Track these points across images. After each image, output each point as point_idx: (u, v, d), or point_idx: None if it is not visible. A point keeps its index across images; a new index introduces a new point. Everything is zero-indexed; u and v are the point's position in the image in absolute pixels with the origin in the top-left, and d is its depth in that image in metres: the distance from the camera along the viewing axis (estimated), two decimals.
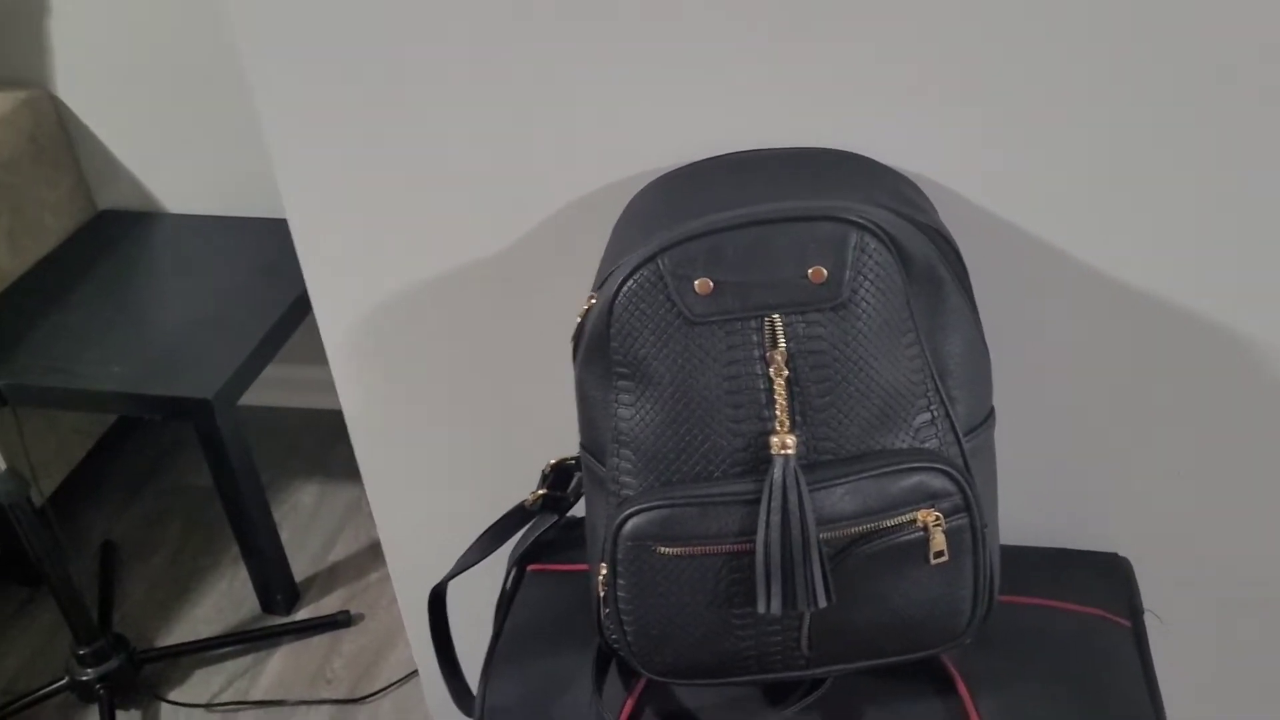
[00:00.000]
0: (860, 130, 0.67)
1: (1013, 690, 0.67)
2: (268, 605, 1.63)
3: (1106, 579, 0.74)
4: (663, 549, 0.60)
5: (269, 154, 0.75)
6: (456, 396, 0.83)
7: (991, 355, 0.70)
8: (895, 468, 0.59)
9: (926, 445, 0.61)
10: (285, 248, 1.71)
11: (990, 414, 0.65)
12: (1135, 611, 0.72)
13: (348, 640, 1.59)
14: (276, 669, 1.56)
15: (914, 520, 0.59)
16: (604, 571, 0.62)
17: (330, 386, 2.00)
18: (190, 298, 1.61)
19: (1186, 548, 0.78)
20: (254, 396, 2.05)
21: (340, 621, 1.60)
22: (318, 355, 1.97)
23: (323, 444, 1.95)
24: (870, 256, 0.58)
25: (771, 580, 0.58)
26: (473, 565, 0.79)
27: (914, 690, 0.67)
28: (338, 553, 1.74)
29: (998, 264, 0.70)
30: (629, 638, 0.63)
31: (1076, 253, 0.69)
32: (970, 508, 0.60)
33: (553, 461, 0.75)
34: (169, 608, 1.67)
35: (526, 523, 0.79)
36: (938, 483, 0.60)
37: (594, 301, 0.62)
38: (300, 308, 1.60)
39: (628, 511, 0.60)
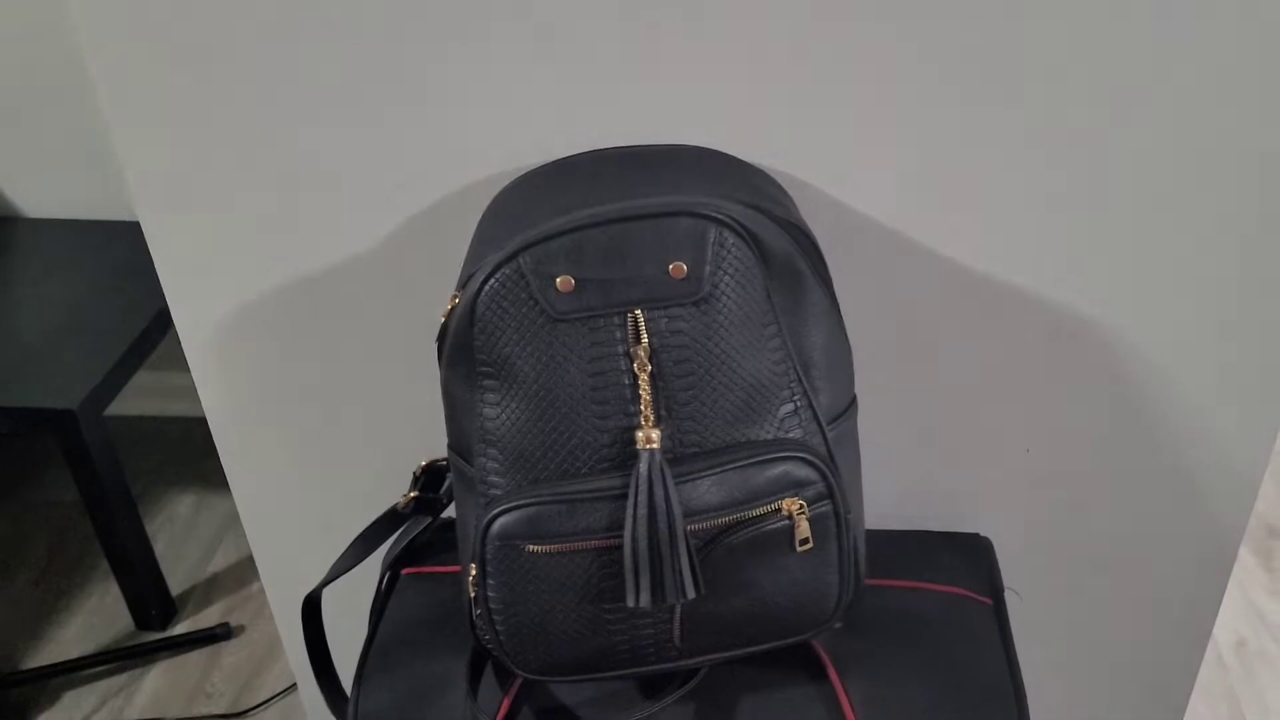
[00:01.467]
0: (720, 127, 0.68)
1: (881, 671, 0.68)
2: (142, 621, 1.58)
3: (969, 559, 0.77)
4: (531, 547, 0.60)
5: (117, 154, 0.72)
6: (324, 400, 0.81)
7: (852, 344, 0.71)
8: (759, 458, 0.60)
9: (791, 435, 0.62)
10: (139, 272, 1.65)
11: (853, 402, 0.67)
12: (996, 590, 0.75)
13: (228, 653, 1.55)
14: (153, 686, 1.51)
15: (779, 509, 0.60)
16: (474, 572, 0.62)
17: None
18: (51, 305, 1.54)
19: (1043, 525, 0.81)
20: (126, 405, 1.97)
21: (219, 635, 1.56)
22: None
23: (199, 453, 1.89)
24: (729, 251, 0.59)
25: (640, 574, 0.58)
26: (347, 571, 0.77)
27: (786, 676, 0.68)
28: (217, 563, 1.69)
29: (856, 256, 0.72)
30: (501, 638, 0.63)
31: (930, 243, 0.71)
32: (834, 495, 0.61)
33: (423, 463, 0.75)
34: (36, 629, 1.60)
35: (399, 526, 0.78)
36: (801, 471, 0.61)
37: (457, 301, 0.62)
38: (170, 312, 1.55)
39: (495, 511, 0.60)
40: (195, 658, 1.55)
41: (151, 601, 1.56)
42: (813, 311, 0.63)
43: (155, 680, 1.52)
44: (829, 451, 0.63)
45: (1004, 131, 0.67)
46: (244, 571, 1.68)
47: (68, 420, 1.37)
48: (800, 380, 0.62)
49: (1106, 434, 0.76)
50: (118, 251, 1.65)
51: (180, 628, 1.59)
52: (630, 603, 0.59)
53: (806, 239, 0.65)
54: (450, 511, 0.80)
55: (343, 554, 0.78)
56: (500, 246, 0.60)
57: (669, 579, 0.59)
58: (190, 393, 1.95)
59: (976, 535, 0.79)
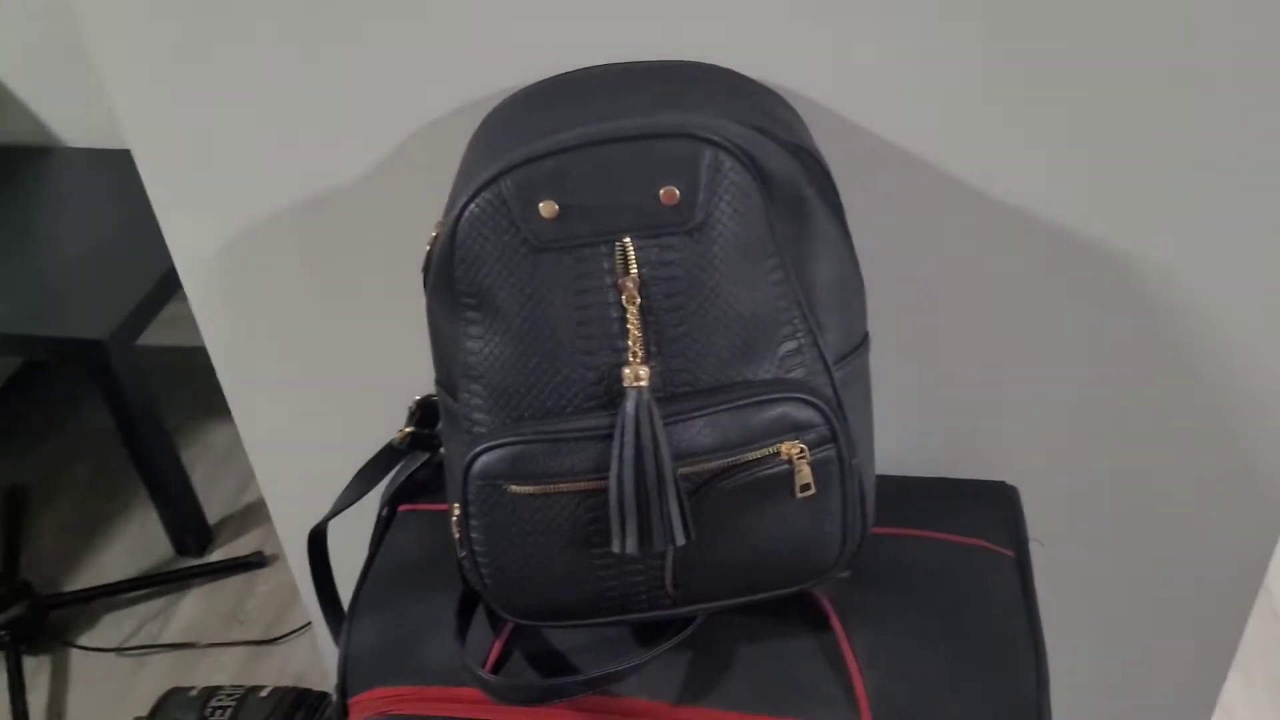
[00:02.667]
0: (727, 42, 0.63)
1: (887, 624, 0.65)
2: (179, 548, 1.60)
3: (991, 508, 0.72)
4: (514, 488, 0.57)
5: (100, 81, 0.70)
6: (320, 333, 0.79)
7: (867, 278, 0.67)
8: (756, 399, 0.56)
9: (792, 375, 0.58)
10: None
11: (864, 340, 0.62)
12: (1019, 541, 0.71)
13: (262, 581, 1.57)
14: (189, 611, 1.53)
15: (777, 453, 0.57)
16: (458, 512, 0.59)
17: None
18: (85, 235, 1.54)
19: (1074, 473, 0.76)
20: (166, 336, 1.98)
21: (254, 563, 1.57)
22: None
23: None
24: (726, 176, 0.55)
25: (626, 518, 0.55)
26: (348, 506, 0.75)
27: (787, 626, 0.65)
28: (252, 493, 1.70)
29: (874, 183, 0.67)
30: (486, 581, 0.60)
31: (956, 171, 0.66)
32: (838, 438, 0.57)
33: (418, 398, 0.72)
34: (77, 553, 1.63)
35: (397, 462, 0.76)
36: (802, 414, 0.57)
37: (440, 229, 0.58)
38: None
39: (477, 449, 0.57)
40: (230, 584, 1.56)
41: (188, 529, 1.58)
42: (820, 242, 0.59)
43: (191, 605, 1.54)
44: (835, 393, 0.59)
45: (1032, 52, 0.61)
46: None
47: (98, 350, 1.37)
48: (804, 316, 0.58)
49: (1144, 377, 0.71)
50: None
51: (216, 555, 1.61)
52: (616, 548, 0.56)
53: (816, 164, 0.60)
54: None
55: (344, 490, 0.76)
56: (483, 171, 0.56)
57: (657, 524, 0.56)
58: None
59: (1002, 484, 0.75)
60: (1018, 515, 0.73)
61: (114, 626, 1.52)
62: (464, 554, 0.61)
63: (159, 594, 1.55)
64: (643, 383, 0.55)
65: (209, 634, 1.50)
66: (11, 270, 1.48)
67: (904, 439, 0.76)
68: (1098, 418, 0.74)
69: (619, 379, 0.56)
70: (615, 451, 0.55)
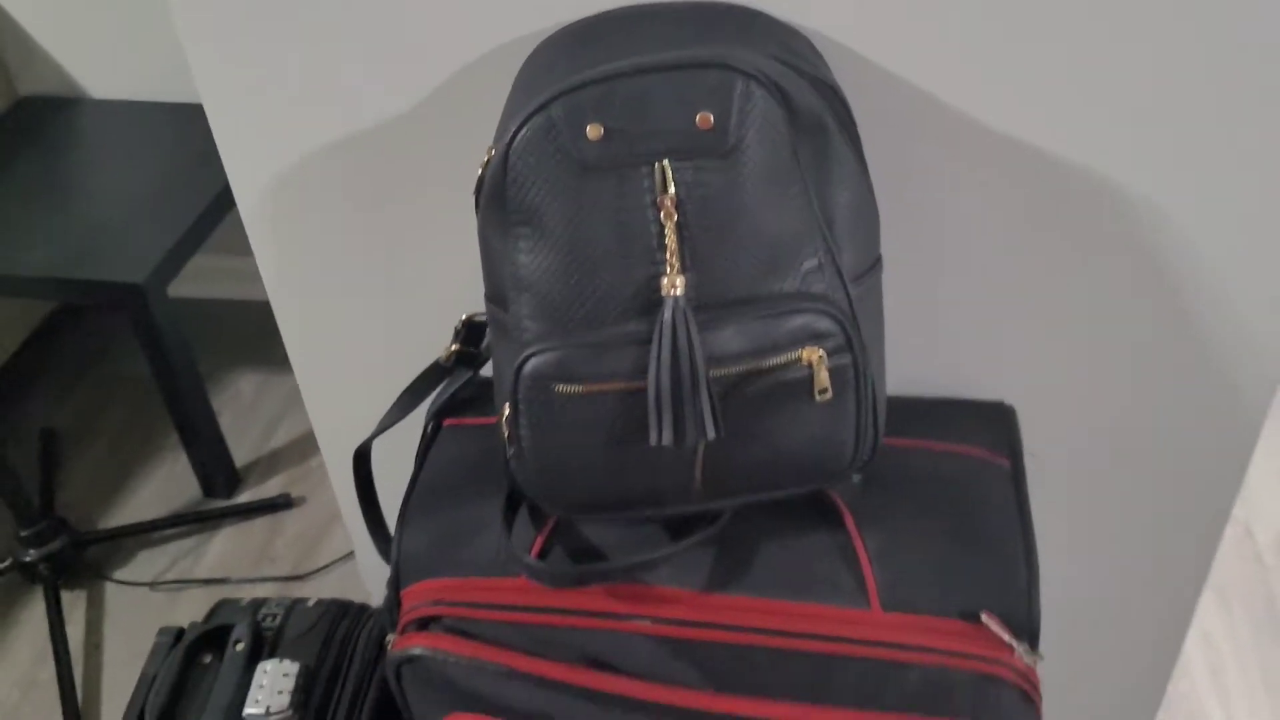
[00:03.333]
0: None
1: (896, 524, 0.71)
2: (209, 490, 1.66)
3: (990, 424, 0.78)
4: (561, 388, 0.63)
5: (175, 29, 0.75)
6: (369, 259, 0.84)
7: (880, 206, 0.72)
8: (782, 309, 0.62)
9: (813, 290, 0.63)
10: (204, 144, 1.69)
11: (877, 261, 0.68)
12: (1015, 453, 0.77)
13: (289, 522, 1.63)
14: (219, 550, 1.60)
15: (799, 359, 0.63)
16: (508, 412, 0.65)
17: None
18: (117, 185, 1.59)
19: (1066, 394, 0.82)
20: (194, 288, 2.04)
21: (281, 504, 1.64)
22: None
23: (264, 334, 1.96)
24: (756, 105, 0.60)
25: (663, 413, 0.61)
26: (394, 424, 0.81)
27: (805, 525, 0.71)
28: (278, 439, 1.76)
29: (888, 117, 0.72)
30: (533, 476, 0.66)
31: (962, 105, 0.71)
32: (853, 347, 0.63)
33: (464, 317, 0.78)
34: (110, 494, 1.69)
35: (442, 379, 0.82)
36: (822, 324, 0.63)
37: (492, 153, 0.64)
38: (227, 199, 1.60)
39: (527, 353, 0.63)
40: (259, 525, 1.63)
41: (217, 471, 1.64)
42: (839, 170, 0.64)
43: (221, 544, 1.61)
44: (851, 307, 0.64)
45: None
46: (305, 447, 1.75)
47: (136, 293, 1.43)
48: (824, 237, 0.64)
49: (1128, 300, 0.77)
50: (179, 133, 1.69)
51: (244, 497, 1.67)
52: (653, 441, 0.62)
53: (837, 98, 0.65)
54: (489, 369, 0.83)
55: (390, 407, 0.82)
56: (533, 98, 0.62)
57: (690, 419, 0.61)
58: (255, 276, 2.01)
59: (1000, 403, 0.81)
60: (1014, 431, 0.79)
61: (147, 564, 1.58)
62: (512, 452, 0.67)
63: (190, 533, 1.62)
64: (679, 291, 0.61)
65: (240, 570, 1.56)
66: (46, 218, 1.53)
67: (911, 361, 0.82)
68: (1089, 342, 0.80)
69: (657, 289, 0.62)
70: (654, 353, 0.61)
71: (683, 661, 0.68)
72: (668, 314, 0.61)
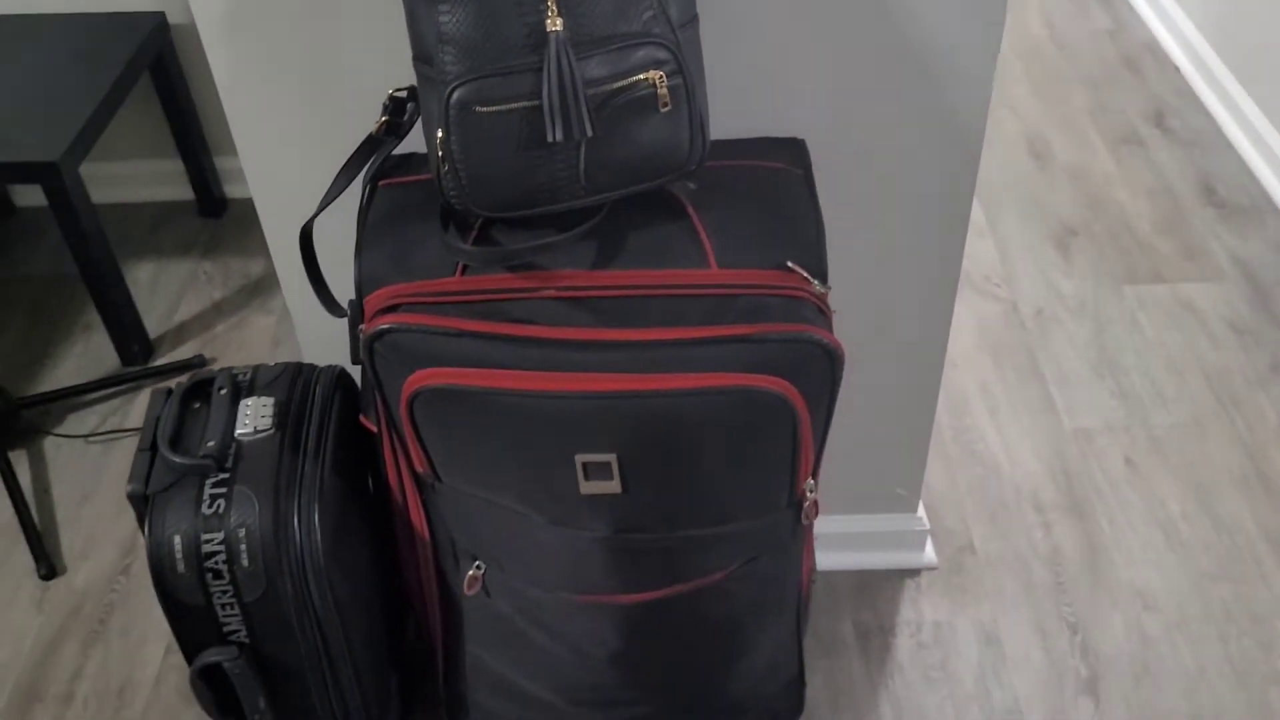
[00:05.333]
0: None
1: (724, 210, 0.99)
2: (127, 358, 1.83)
3: (787, 150, 1.07)
4: (479, 108, 0.88)
5: None
6: (305, 54, 1.06)
7: None
8: (631, 43, 0.88)
9: (653, 31, 0.90)
10: (103, 28, 1.84)
11: (695, 17, 0.95)
12: (806, 168, 1.06)
13: None
14: (144, 406, 1.77)
15: (646, 79, 0.89)
16: (440, 136, 0.90)
17: (148, 179, 2.15)
18: (14, 81, 1.73)
19: (840, 128, 1.11)
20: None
21: (196, 363, 1.82)
22: (138, 150, 2.11)
23: (151, 230, 2.12)
24: None
25: (555, 117, 0.87)
26: (334, 199, 1.04)
27: (659, 217, 0.98)
28: (183, 313, 1.94)
29: None
30: (463, 183, 0.91)
31: None
32: (683, 70, 0.90)
33: (389, 92, 1.01)
34: (31, 373, 1.84)
35: (374, 151, 1.05)
36: (661, 53, 0.89)
37: None
38: (124, 84, 1.76)
39: (453, 84, 0.87)
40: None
41: (133, 338, 1.81)
42: None
43: (146, 402, 1.78)
44: (679, 43, 0.91)
45: None
46: (209, 318, 1.93)
47: (51, 171, 1.59)
48: None
49: (873, 41, 1.06)
50: (69, 40, 1.84)
51: (160, 361, 1.84)
52: (550, 138, 0.87)
53: None
54: (405, 146, 1.06)
55: (332, 183, 1.05)
56: None
57: (574, 120, 0.87)
58: (137, 179, 2.15)
59: (796, 138, 1.09)
60: (805, 154, 1.07)
61: (79, 423, 1.75)
62: (446, 169, 0.91)
63: (115, 395, 1.79)
64: (559, 28, 0.86)
65: None
66: None
67: (723, 105, 1.09)
68: (856, 84, 1.09)
69: (543, 29, 0.87)
70: (546, 74, 0.86)
71: (580, 311, 0.94)
72: (553, 45, 0.86)
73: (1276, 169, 2.12)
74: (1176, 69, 2.47)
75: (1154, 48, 2.55)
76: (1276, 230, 2.04)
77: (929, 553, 1.51)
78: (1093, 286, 1.94)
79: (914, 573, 1.50)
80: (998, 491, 1.61)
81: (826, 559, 1.48)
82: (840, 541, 1.47)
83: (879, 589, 1.48)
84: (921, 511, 1.49)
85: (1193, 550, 1.52)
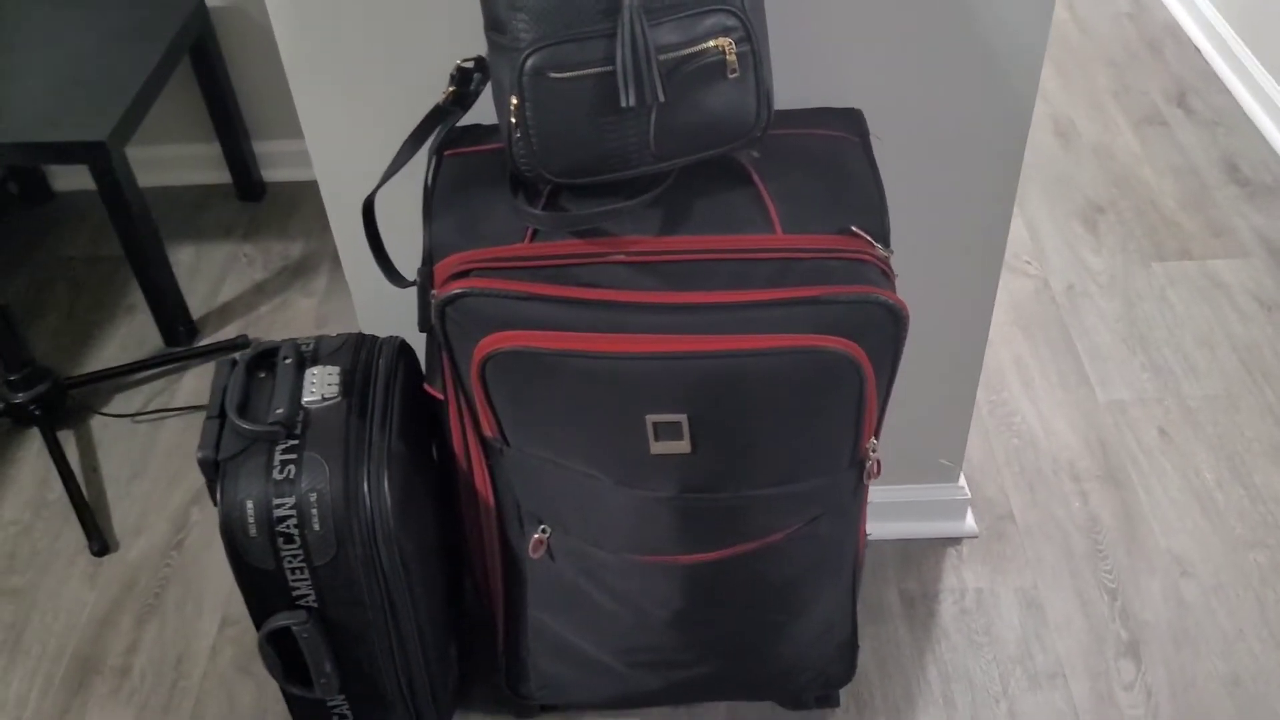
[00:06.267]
0: None
1: (788, 177, 1.01)
2: (171, 339, 1.85)
3: (845, 119, 1.09)
4: (553, 74, 0.90)
5: None
6: (370, 22, 1.08)
7: None
8: (702, 10, 0.90)
9: None
10: (144, 9, 1.86)
11: None
12: (864, 135, 1.08)
13: None
14: (191, 385, 1.80)
15: (716, 45, 0.91)
16: (514, 103, 0.92)
17: (188, 163, 2.17)
18: (59, 58, 1.75)
19: (897, 98, 1.13)
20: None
21: (241, 344, 1.84)
22: (177, 134, 2.13)
23: (191, 214, 2.14)
24: None
25: (628, 82, 0.89)
26: (398, 170, 1.06)
27: (724, 185, 1.00)
28: (225, 294, 1.96)
29: None
30: (535, 148, 0.93)
31: None
32: (751, 38, 0.92)
33: (457, 63, 1.03)
34: (76, 354, 1.86)
35: (439, 122, 1.07)
36: (730, 21, 0.91)
37: None
38: (166, 67, 1.78)
39: (527, 51, 0.89)
40: None
41: (178, 319, 1.83)
42: None
43: (191, 381, 1.81)
44: (747, 10, 0.93)
45: None
46: (251, 299, 1.95)
47: (99, 151, 1.61)
48: None
49: (927, 11, 1.08)
50: (110, 23, 1.86)
51: (203, 343, 1.87)
52: (624, 103, 0.89)
53: None
54: (469, 118, 1.08)
55: (398, 152, 1.06)
56: None
57: (646, 85, 0.89)
58: (176, 163, 2.18)
59: (851, 108, 1.11)
60: (863, 122, 1.10)
61: (125, 403, 1.77)
62: (519, 135, 0.93)
63: (160, 375, 1.81)
64: None
65: None
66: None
67: (782, 76, 1.11)
68: (911, 61, 1.11)
69: None
70: (619, 40, 0.88)
71: (648, 276, 0.96)
72: (626, 11, 0.88)
73: None
74: (1197, 50, 2.49)
75: (1174, 29, 2.56)
76: None
77: (970, 522, 1.53)
78: (1122, 263, 1.96)
79: (956, 541, 1.52)
80: (1035, 462, 1.63)
81: (872, 528, 1.50)
82: (885, 511, 1.49)
83: (923, 557, 1.51)
84: (963, 481, 1.51)
85: (1227, 518, 1.55)
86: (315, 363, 1.16)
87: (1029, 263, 1.97)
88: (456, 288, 0.97)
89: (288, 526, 1.07)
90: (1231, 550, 1.51)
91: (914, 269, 1.26)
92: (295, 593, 1.11)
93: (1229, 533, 1.53)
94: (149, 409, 1.75)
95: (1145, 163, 2.18)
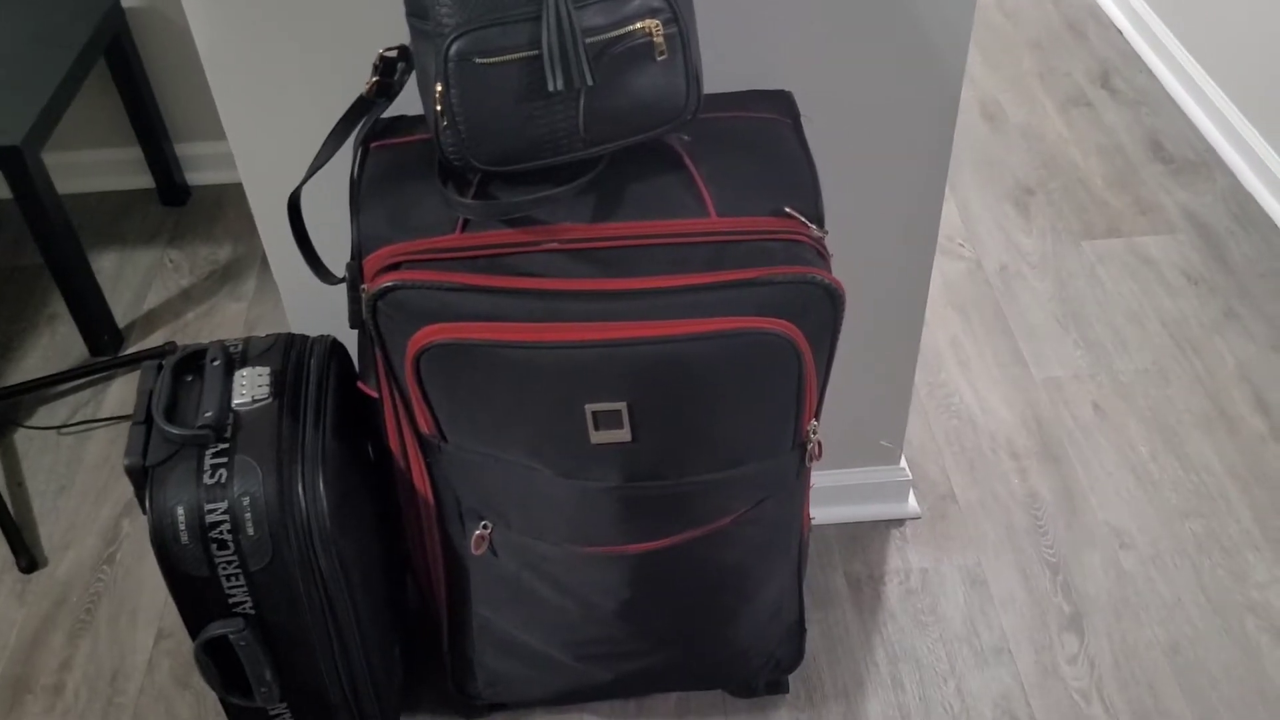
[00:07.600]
0: None
1: (720, 160, 1.00)
2: (95, 348, 1.80)
3: (775, 101, 1.09)
4: (478, 60, 0.88)
5: None
6: (290, 13, 1.06)
7: None
8: None
9: None
10: (56, 11, 1.80)
11: None
12: (795, 118, 1.08)
13: None
14: (117, 395, 1.75)
15: (643, 27, 0.90)
16: (439, 90, 0.90)
17: (107, 168, 2.11)
18: None
19: (839, 83, 1.13)
20: None
21: (168, 351, 1.79)
22: (96, 139, 2.07)
23: (113, 220, 2.08)
24: None
25: (554, 65, 0.88)
26: (323, 165, 1.03)
27: (656, 169, 0.99)
28: (150, 301, 1.91)
29: None
30: (463, 136, 0.91)
31: None
32: (679, 19, 0.91)
33: (379, 52, 1.01)
34: None
35: (364, 113, 1.04)
36: (656, 3, 0.90)
37: None
38: (81, 68, 1.72)
39: (451, 36, 0.88)
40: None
41: (102, 328, 1.78)
42: None
43: (117, 391, 1.76)
44: None
45: None
46: (178, 306, 1.90)
47: (14, 156, 1.56)
48: None
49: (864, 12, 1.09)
50: (20, 24, 1.80)
51: (129, 351, 1.82)
52: (551, 87, 0.88)
53: None
54: (392, 110, 1.06)
55: (322, 146, 1.04)
56: None
57: (573, 68, 0.88)
58: (96, 168, 2.12)
59: (781, 90, 1.11)
60: (793, 104, 1.09)
61: (50, 414, 1.72)
62: (445, 123, 0.91)
63: (85, 386, 1.76)
64: None
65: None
66: None
67: (710, 59, 1.11)
68: (839, 42, 1.11)
69: None
70: (544, 23, 0.87)
71: (583, 263, 0.95)
72: None
73: (1220, 124, 2.18)
74: (1119, 31, 2.53)
75: (1095, 11, 2.61)
76: (1223, 183, 2.10)
77: (912, 503, 1.54)
78: (1052, 243, 1.98)
79: (899, 523, 1.53)
80: (974, 441, 1.65)
81: (816, 513, 1.50)
82: (828, 495, 1.50)
83: (867, 540, 1.51)
84: (904, 463, 1.52)
85: (1163, 489, 1.57)
86: (244, 364, 1.13)
87: (962, 245, 1.99)
88: (387, 280, 0.95)
89: (221, 532, 1.04)
90: (1167, 520, 1.53)
91: (849, 251, 1.26)
92: (231, 600, 1.08)
93: (1164, 503, 1.55)
94: (74, 420, 1.70)
95: (1072, 143, 2.21)
